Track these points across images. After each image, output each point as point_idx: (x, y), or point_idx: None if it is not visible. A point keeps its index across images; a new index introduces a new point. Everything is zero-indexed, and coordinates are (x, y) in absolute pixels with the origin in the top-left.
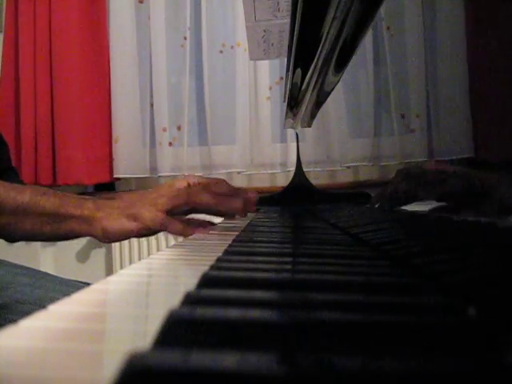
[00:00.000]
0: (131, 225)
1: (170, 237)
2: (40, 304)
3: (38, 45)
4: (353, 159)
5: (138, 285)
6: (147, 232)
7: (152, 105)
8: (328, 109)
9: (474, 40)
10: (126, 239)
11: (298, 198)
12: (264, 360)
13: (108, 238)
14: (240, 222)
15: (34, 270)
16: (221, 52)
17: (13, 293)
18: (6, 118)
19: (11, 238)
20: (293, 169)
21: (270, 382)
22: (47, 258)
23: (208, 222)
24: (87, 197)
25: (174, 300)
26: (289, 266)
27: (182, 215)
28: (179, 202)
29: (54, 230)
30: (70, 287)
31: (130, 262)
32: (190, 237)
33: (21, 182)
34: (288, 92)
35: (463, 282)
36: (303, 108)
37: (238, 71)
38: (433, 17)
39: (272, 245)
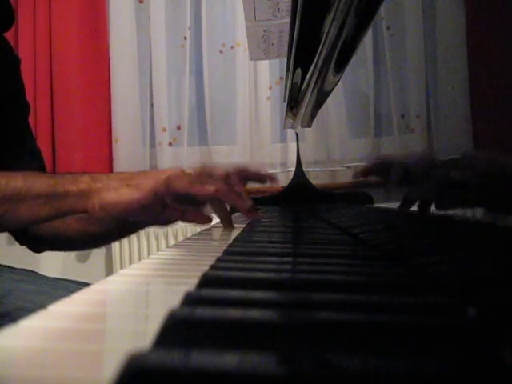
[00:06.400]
0: (132, 194)
1: (170, 237)
2: None
3: (37, 45)
4: (353, 159)
5: (137, 285)
6: (149, 203)
7: (152, 105)
8: (328, 109)
9: (474, 40)
10: (125, 212)
11: (297, 198)
12: (264, 360)
13: (105, 209)
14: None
15: (36, 274)
16: (221, 52)
17: (14, 300)
18: None
19: (6, 229)
20: (293, 169)
21: (270, 382)
22: (47, 258)
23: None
24: (83, 173)
25: (174, 300)
26: (289, 266)
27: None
28: (160, 187)
29: (52, 211)
30: (72, 292)
31: (130, 262)
32: (190, 237)
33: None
34: (288, 92)
35: (463, 282)
36: (303, 108)
37: (238, 71)
38: (433, 17)
39: (272, 245)
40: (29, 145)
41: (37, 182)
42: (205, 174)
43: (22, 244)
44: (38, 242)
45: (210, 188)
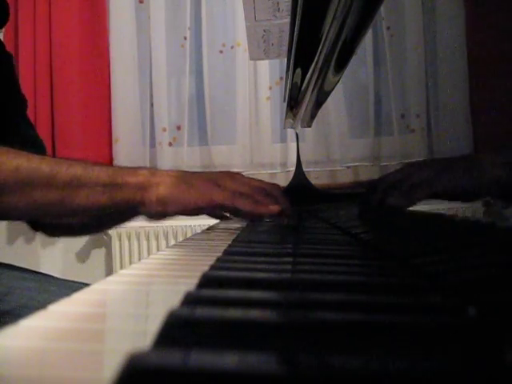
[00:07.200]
0: (191, 194)
1: (170, 237)
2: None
3: (37, 45)
4: (353, 159)
5: (137, 285)
6: (205, 208)
7: (152, 105)
8: (328, 109)
9: (474, 40)
10: (181, 210)
11: (298, 198)
12: (264, 360)
13: (162, 205)
14: (240, 222)
15: (39, 273)
16: (221, 52)
17: (18, 298)
18: None
19: (64, 215)
20: (293, 169)
21: (270, 382)
22: (47, 258)
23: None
24: (141, 167)
25: (174, 300)
26: (289, 266)
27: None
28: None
29: (109, 201)
30: (75, 291)
31: (130, 262)
32: (190, 237)
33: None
34: (288, 92)
35: (463, 282)
36: (303, 108)
37: (238, 71)
38: (433, 17)
39: (272, 245)
40: (29, 136)
41: (96, 171)
42: (259, 191)
43: (36, 230)
44: (52, 229)
45: (275, 208)
